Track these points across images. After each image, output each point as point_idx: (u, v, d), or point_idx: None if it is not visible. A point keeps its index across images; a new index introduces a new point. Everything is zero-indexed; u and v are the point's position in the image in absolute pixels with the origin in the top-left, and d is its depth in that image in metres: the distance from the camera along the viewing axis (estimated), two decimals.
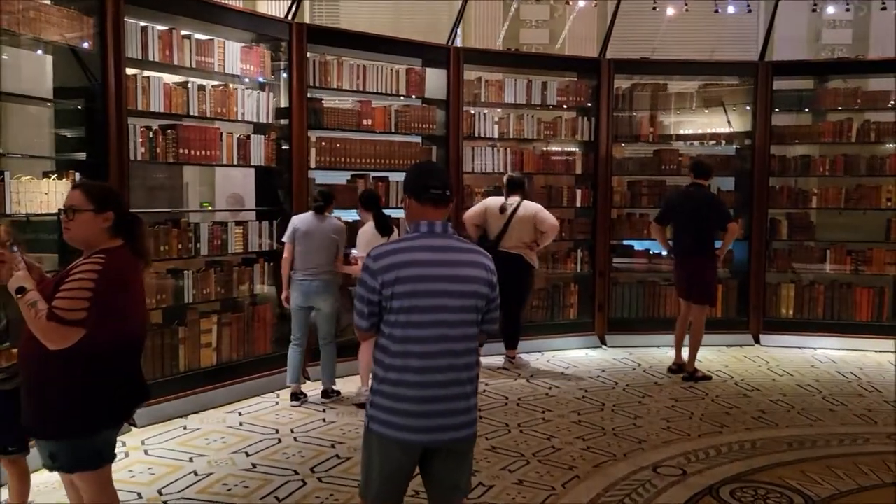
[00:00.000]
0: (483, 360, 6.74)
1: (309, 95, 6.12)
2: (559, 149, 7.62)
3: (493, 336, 3.38)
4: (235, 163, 5.70)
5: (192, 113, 5.36)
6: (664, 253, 7.12)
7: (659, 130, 7.76)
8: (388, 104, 6.73)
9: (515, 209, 6.41)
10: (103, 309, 2.58)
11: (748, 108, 7.70)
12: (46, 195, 4.38)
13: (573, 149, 7.63)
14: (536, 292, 7.27)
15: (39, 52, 4.79)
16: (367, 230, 5.53)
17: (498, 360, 6.79)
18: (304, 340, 5.61)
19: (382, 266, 2.53)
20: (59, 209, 2.78)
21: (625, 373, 6.61)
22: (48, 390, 2.64)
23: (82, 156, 4.83)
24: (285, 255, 5.51)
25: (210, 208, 6.66)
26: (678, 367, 6.55)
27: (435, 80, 6.94)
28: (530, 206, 6.44)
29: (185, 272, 5.40)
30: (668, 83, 7.79)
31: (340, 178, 6.65)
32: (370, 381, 2.73)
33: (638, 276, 7.84)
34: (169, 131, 5.22)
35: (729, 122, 7.79)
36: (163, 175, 6.79)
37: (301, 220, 5.50)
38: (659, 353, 7.25)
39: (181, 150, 5.29)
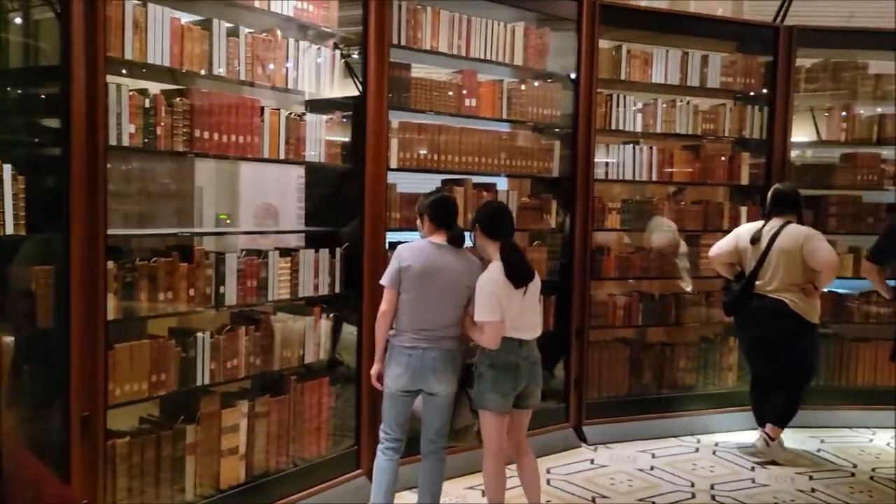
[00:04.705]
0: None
1: (391, 59, 4.01)
2: (719, 150, 5.48)
3: None
4: (282, 156, 3.57)
5: (216, 72, 3.25)
6: (888, 297, 4.95)
7: (854, 128, 5.61)
8: (496, 79, 4.62)
9: (775, 235, 4.54)
10: None
11: None
12: None
13: (738, 150, 5.51)
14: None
15: None
16: (494, 276, 3.31)
17: (746, 437, 4.97)
18: (404, 443, 3.47)
19: None
20: None
21: None
22: None
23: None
24: (384, 306, 3.35)
25: (230, 226, 4.46)
26: None
27: (559, 48, 4.86)
28: (795, 232, 4.54)
29: (200, 334, 3.27)
30: (868, 62, 5.63)
31: (427, 183, 4.51)
32: None
33: None
34: (178, 100, 3.10)
35: None
36: (163, 173, 4.54)
37: (414, 253, 3.36)
38: (857, 438, 5.16)
39: (196, 133, 3.18)
